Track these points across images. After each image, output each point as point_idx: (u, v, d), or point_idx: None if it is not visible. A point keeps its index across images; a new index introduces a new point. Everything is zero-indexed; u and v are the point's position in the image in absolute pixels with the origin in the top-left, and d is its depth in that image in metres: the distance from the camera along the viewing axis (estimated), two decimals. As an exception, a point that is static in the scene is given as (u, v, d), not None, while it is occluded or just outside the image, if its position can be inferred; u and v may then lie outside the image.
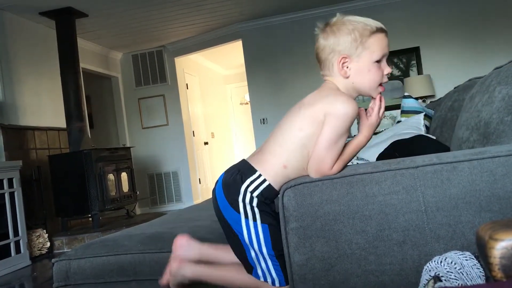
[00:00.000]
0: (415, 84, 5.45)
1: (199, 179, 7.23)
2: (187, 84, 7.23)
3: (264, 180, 1.20)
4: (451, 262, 0.85)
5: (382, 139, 2.37)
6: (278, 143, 1.22)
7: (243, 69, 6.60)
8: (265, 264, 1.23)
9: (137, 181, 5.90)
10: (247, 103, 8.64)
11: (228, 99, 9.52)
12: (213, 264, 1.36)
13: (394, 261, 1.09)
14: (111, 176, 4.91)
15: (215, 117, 8.62)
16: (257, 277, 1.25)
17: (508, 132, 1.22)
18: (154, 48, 6.86)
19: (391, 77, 5.94)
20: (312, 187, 1.15)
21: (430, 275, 0.88)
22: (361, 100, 5.46)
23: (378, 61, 1.19)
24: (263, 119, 6.34)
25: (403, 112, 2.98)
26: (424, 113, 2.57)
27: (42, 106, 4.98)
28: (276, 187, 1.21)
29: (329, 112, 1.15)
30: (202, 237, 1.46)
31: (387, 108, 5.89)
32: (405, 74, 5.90)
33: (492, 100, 1.33)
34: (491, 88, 1.37)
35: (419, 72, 5.86)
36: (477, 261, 0.85)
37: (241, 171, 1.24)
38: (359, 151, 1.21)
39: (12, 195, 3.86)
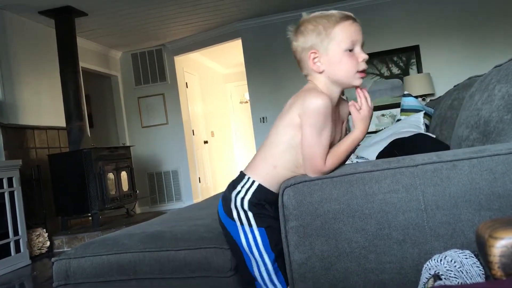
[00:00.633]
0: (415, 83, 5.45)
1: (199, 178, 7.23)
2: (186, 83, 7.23)
3: (253, 182, 1.22)
4: (451, 261, 0.85)
5: (382, 137, 2.37)
6: (268, 148, 1.24)
7: (243, 67, 6.60)
8: (266, 271, 1.23)
9: (137, 180, 5.90)
10: (246, 102, 8.64)
11: (227, 98, 9.52)
12: None
13: (394, 259, 1.09)
14: (111, 175, 4.91)
15: (215, 116, 8.62)
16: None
17: (508, 130, 1.22)
18: (153, 47, 6.85)
19: (390, 75, 5.94)
20: (312, 186, 1.15)
21: (430, 274, 0.88)
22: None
23: (351, 50, 1.17)
24: (263, 118, 6.34)
25: (402, 110, 2.98)
26: (423, 111, 2.57)
27: (42, 105, 4.98)
28: (269, 185, 1.21)
29: (302, 112, 1.16)
30: (201, 236, 1.46)
31: (387, 107, 5.91)
32: (405, 72, 5.90)
33: (492, 99, 1.33)
34: (490, 87, 1.37)
35: (419, 70, 5.86)
36: (476, 260, 0.85)
37: (234, 180, 1.28)
38: (356, 146, 1.20)
39: (12, 194, 3.86)
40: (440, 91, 5.35)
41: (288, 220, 1.16)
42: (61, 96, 4.87)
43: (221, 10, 5.69)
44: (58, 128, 5.14)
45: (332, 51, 1.17)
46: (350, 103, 1.21)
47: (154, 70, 6.88)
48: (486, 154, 1.07)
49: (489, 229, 0.62)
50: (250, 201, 1.21)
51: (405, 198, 1.10)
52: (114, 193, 4.92)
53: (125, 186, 5.19)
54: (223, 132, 8.97)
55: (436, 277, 0.86)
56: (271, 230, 1.21)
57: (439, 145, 1.63)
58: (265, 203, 1.22)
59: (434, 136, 1.89)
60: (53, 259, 1.60)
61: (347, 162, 1.27)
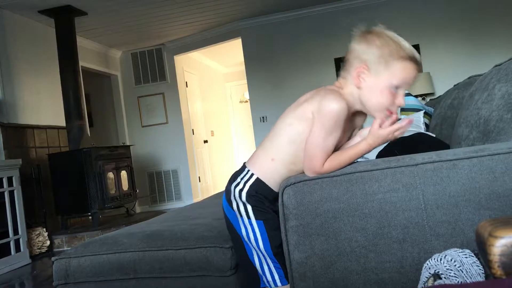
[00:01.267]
0: (415, 82, 5.44)
1: (199, 177, 7.23)
2: (186, 82, 7.23)
3: (252, 175, 1.23)
4: (451, 260, 0.85)
5: (382, 137, 2.36)
6: (269, 139, 1.25)
7: (243, 67, 6.60)
8: (266, 264, 1.24)
9: (137, 180, 5.90)
10: (246, 101, 8.63)
11: (227, 97, 9.52)
12: None
13: (393, 258, 1.09)
14: (110, 175, 4.91)
15: (215, 115, 8.61)
16: (264, 284, 1.26)
17: (508, 129, 1.22)
18: (153, 46, 6.85)
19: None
20: (312, 185, 1.15)
21: (429, 273, 0.88)
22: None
23: (396, 88, 1.14)
24: (263, 117, 6.33)
25: (402, 109, 2.97)
26: (423, 110, 2.57)
27: (42, 105, 4.98)
28: (267, 181, 1.22)
29: (317, 110, 1.14)
30: (201, 235, 1.47)
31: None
32: (405, 72, 5.89)
33: (492, 98, 1.33)
34: (490, 86, 1.36)
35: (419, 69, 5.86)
36: (476, 259, 0.85)
37: (235, 173, 1.30)
38: (358, 157, 1.17)
39: (11, 193, 3.86)
40: (440, 90, 5.35)
41: (288, 219, 1.16)
42: (61, 95, 4.87)
43: (221, 9, 5.69)
44: (58, 128, 5.14)
45: (381, 79, 1.13)
46: (378, 120, 1.15)
47: (154, 70, 6.87)
48: (486, 153, 1.07)
49: (489, 228, 0.62)
50: (247, 193, 1.23)
51: (405, 197, 1.10)
52: (114, 192, 4.92)
53: (125, 186, 5.19)
54: (223, 131, 8.97)
55: (436, 276, 0.86)
56: (269, 223, 1.22)
57: (439, 144, 1.63)
58: (263, 197, 1.23)
59: (434, 136, 1.89)
60: (53, 258, 1.60)
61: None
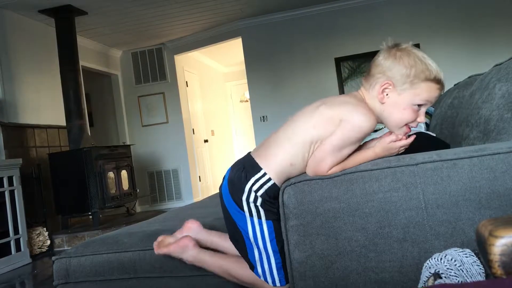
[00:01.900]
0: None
1: (199, 176, 7.24)
2: (186, 81, 7.23)
3: (269, 179, 1.19)
4: (451, 259, 0.85)
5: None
6: (287, 136, 1.21)
7: (243, 66, 6.60)
8: (268, 263, 1.23)
9: (137, 179, 5.90)
10: (247, 101, 8.63)
11: (228, 96, 9.52)
12: (217, 253, 1.36)
13: (394, 258, 1.09)
14: (111, 174, 4.91)
15: (215, 114, 8.62)
16: (257, 275, 1.25)
17: (508, 129, 1.22)
18: (153, 46, 6.85)
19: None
20: (312, 185, 1.15)
21: (430, 272, 0.88)
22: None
23: (418, 105, 1.16)
24: (263, 117, 6.33)
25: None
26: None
27: (42, 104, 4.98)
28: (280, 184, 1.20)
29: (346, 119, 1.14)
30: (202, 235, 1.46)
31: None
32: (405, 71, 5.89)
33: (492, 97, 1.33)
34: (491, 85, 1.36)
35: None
36: (477, 258, 0.85)
37: (246, 168, 1.23)
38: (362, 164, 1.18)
39: (12, 193, 3.86)
40: (440, 90, 5.34)
41: (289, 218, 1.16)
42: (61, 94, 4.87)
43: (221, 9, 5.69)
44: (58, 127, 5.14)
45: (405, 97, 1.14)
46: (393, 136, 1.17)
47: (154, 69, 6.87)
48: (487, 153, 1.07)
49: (489, 228, 0.62)
50: (263, 198, 1.20)
51: (405, 197, 1.09)
52: (114, 192, 4.92)
53: (125, 185, 5.19)
54: (223, 131, 8.97)
55: (436, 275, 0.86)
56: (277, 223, 1.21)
57: (439, 144, 1.63)
58: (275, 200, 1.22)
59: (434, 135, 1.89)
60: (53, 258, 1.61)
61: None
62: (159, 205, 6.90)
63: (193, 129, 7.22)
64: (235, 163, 1.29)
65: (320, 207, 1.14)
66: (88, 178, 4.59)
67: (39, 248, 4.24)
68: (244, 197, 1.21)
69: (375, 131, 2.15)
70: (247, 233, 1.23)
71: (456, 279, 0.81)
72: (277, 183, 1.20)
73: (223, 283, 1.39)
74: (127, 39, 6.35)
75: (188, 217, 1.57)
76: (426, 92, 1.14)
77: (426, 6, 5.83)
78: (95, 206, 4.61)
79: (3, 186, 3.77)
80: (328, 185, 1.14)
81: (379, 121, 1.20)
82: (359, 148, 1.20)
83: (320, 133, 1.16)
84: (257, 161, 1.22)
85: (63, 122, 5.03)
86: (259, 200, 1.20)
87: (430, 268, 0.88)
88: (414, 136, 1.19)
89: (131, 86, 6.93)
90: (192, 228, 1.42)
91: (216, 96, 8.85)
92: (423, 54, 1.16)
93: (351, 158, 1.16)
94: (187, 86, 7.21)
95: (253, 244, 1.23)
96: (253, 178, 1.20)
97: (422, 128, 2.28)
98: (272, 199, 1.21)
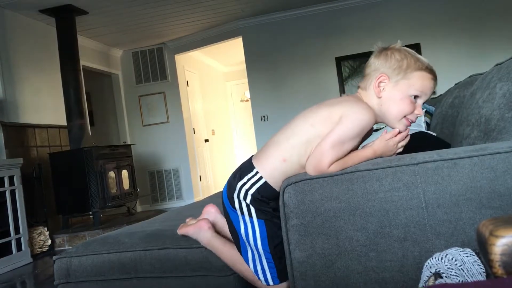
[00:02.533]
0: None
1: (200, 176, 7.24)
2: (187, 81, 7.23)
3: (260, 178, 1.21)
4: (452, 259, 0.85)
5: (383, 136, 2.36)
6: (286, 136, 1.23)
7: (244, 66, 6.60)
8: (260, 261, 1.25)
9: (138, 179, 5.90)
10: (247, 100, 8.63)
11: (228, 96, 9.52)
12: (228, 242, 1.38)
13: (394, 257, 1.09)
14: (111, 174, 4.92)
15: (216, 114, 8.62)
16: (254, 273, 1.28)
17: (509, 128, 1.22)
18: (154, 45, 6.85)
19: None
20: (312, 184, 1.15)
21: (430, 272, 0.88)
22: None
23: (415, 97, 1.20)
24: (264, 116, 6.33)
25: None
26: (424, 109, 2.57)
27: (43, 104, 4.98)
28: (274, 184, 1.21)
29: (345, 114, 1.16)
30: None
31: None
32: (406, 70, 5.88)
33: (493, 97, 1.32)
34: (492, 85, 1.36)
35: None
36: (477, 258, 0.85)
37: (242, 168, 1.27)
38: (362, 162, 1.18)
39: (13, 192, 3.87)
40: (441, 89, 5.33)
41: (289, 218, 1.16)
42: (62, 94, 4.88)
43: (222, 8, 5.69)
44: (59, 127, 5.14)
45: (400, 88, 1.19)
46: (391, 133, 1.20)
47: (154, 69, 6.88)
48: (487, 152, 1.07)
49: (490, 227, 0.62)
50: (253, 196, 1.22)
51: (406, 196, 1.09)
52: (115, 191, 4.92)
53: (126, 185, 5.20)
54: (223, 130, 8.97)
55: (437, 275, 0.86)
56: (270, 223, 1.22)
57: (440, 143, 1.63)
58: (267, 199, 1.23)
59: (435, 134, 1.89)
60: (54, 258, 1.61)
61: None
62: (160, 204, 6.91)
63: (193, 129, 7.22)
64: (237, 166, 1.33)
65: (320, 206, 1.14)
66: (89, 177, 4.59)
67: (40, 247, 4.25)
68: (235, 195, 1.24)
69: (375, 131, 2.15)
70: (240, 231, 1.26)
71: (457, 279, 0.81)
72: (270, 182, 1.21)
73: (224, 283, 1.39)
74: (128, 38, 6.35)
75: (189, 217, 1.57)
76: (420, 81, 1.19)
77: (426, 5, 5.83)
78: (95, 206, 4.61)
79: (4, 186, 3.77)
80: (329, 185, 1.14)
81: (379, 120, 1.23)
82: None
83: (318, 131, 1.18)
84: (254, 162, 1.25)
85: (63, 122, 5.04)
86: (249, 198, 1.22)
87: (430, 267, 0.88)
88: (409, 135, 1.22)
89: (132, 86, 6.93)
90: (211, 212, 1.50)
91: (217, 96, 8.85)
92: (412, 51, 1.22)
93: (350, 156, 1.17)
94: (187, 85, 7.21)
95: (246, 242, 1.26)
96: (246, 177, 1.24)
97: (422, 128, 2.28)
98: (265, 198, 1.22)
